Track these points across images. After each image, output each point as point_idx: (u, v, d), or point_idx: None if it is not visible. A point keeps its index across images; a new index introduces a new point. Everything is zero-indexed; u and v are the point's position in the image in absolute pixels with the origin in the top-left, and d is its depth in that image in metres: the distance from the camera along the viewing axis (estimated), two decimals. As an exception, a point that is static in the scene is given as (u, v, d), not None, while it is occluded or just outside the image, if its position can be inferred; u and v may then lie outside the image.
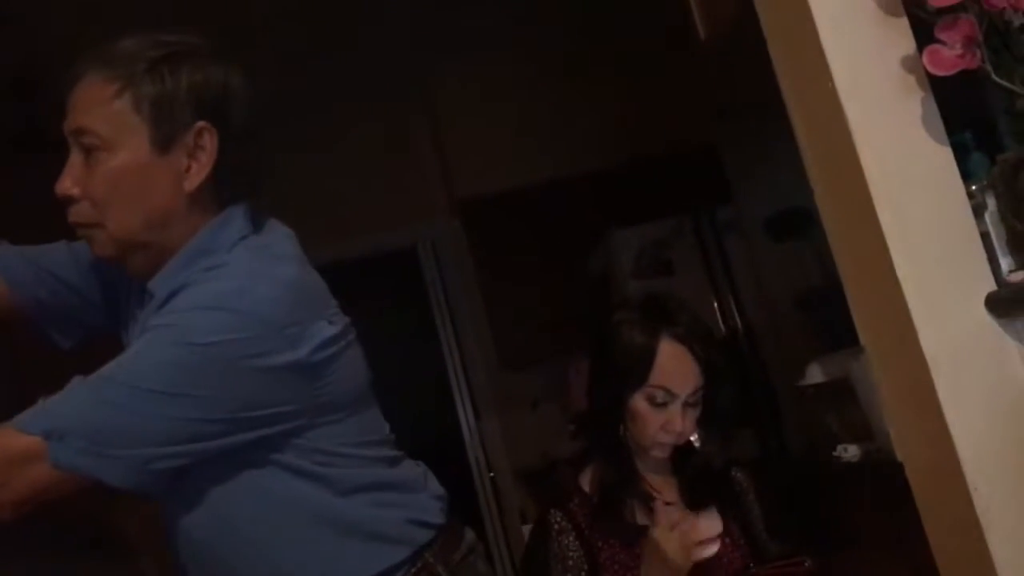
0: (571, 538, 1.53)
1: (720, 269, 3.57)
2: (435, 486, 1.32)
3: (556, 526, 1.55)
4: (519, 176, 3.94)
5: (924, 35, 1.23)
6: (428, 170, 4.28)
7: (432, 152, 4.30)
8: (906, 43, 1.27)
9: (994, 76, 1.19)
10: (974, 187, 1.26)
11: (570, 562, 1.52)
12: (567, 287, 3.82)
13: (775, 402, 3.25)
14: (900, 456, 1.31)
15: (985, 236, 1.25)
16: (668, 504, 1.52)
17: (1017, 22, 1.19)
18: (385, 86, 4.04)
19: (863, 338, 1.35)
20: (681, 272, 3.57)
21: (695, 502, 1.56)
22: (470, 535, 1.32)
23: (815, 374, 1.80)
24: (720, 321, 3.54)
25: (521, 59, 4.04)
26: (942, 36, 1.19)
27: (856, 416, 1.62)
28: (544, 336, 3.84)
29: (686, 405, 1.53)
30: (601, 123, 3.88)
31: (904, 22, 1.28)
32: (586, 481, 1.62)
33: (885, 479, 1.36)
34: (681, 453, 1.59)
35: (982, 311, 1.22)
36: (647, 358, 1.52)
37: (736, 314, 3.55)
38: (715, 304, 3.56)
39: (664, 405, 1.52)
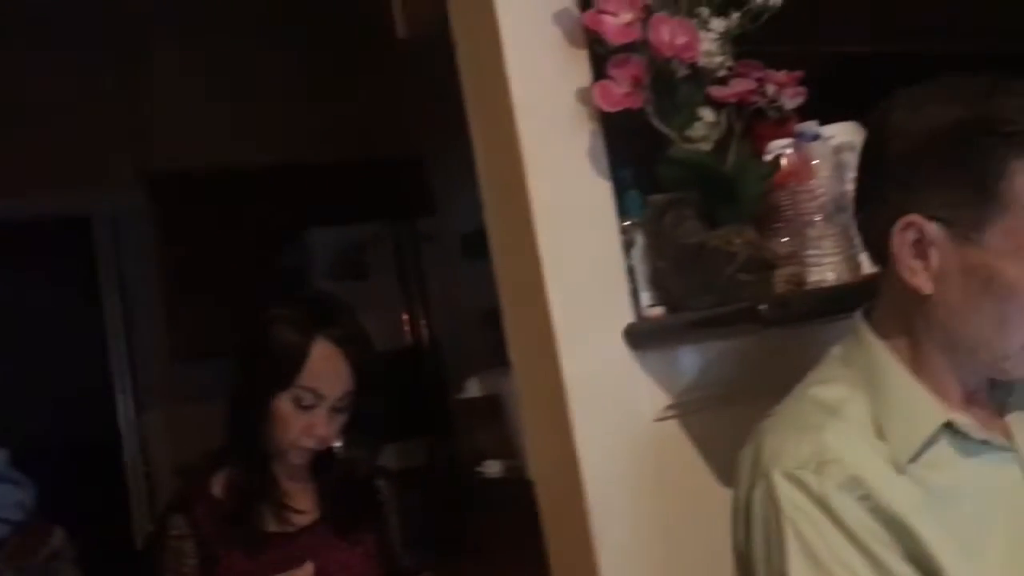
0: (189, 545, 1.42)
1: (414, 279, 3.58)
2: (18, 476, 1.16)
3: (174, 532, 1.44)
4: (218, 158, 3.72)
5: (602, 70, 1.27)
6: (117, 136, 3.91)
7: (126, 117, 3.96)
8: (583, 75, 1.31)
9: (654, 119, 1.25)
10: (627, 223, 1.32)
11: (185, 569, 1.41)
12: (257, 281, 3.65)
13: (448, 414, 3.29)
14: (532, 474, 1.34)
15: (632, 271, 1.31)
16: (299, 512, 1.46)
17: (681, 73, 1.26)
18: (83, 37, 3.68)
19: (512, 356, 1.36)
20: (375, 278, 3.55)
21: (333, 511, 1.51)
22: (59, 537, 1.17)
23: (473, 388, 1.82)
24: (408, 330, 3.55)
25: (241, 38, 3.84)
26: (613, 72, 1.23)
27: (503, 433, 1.65)
28: (223, 329, 3.64)
29: (333, 410, 1.47)
30: (314, 118, 3.77)
31: (584, 55, 1.31)
32: (219, 484, 1.51)
33: (521, 496, 1.38)
34: (322, 460, 1.53)
35: (620, 342, 1.27)
36: (298, 357, 1.44)
37: (424, 325, 3.56)
38: (405, 313, 3.56)
39: (310, 408, 1.45)
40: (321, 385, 1.46)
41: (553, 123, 1.29)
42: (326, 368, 1.46)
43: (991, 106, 0.88)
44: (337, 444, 1.51)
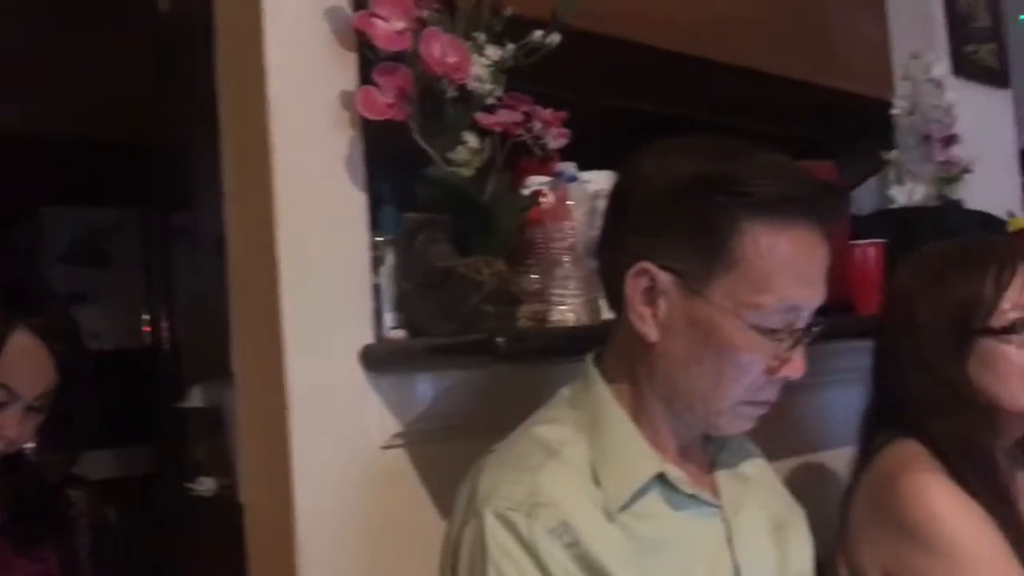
0: None
1: (160, 275, 3.33)
2: None
3: None
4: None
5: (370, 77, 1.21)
6: None
7: None
8: (349, 78, 1.24)
9: (417, 136, 1.20)
10: (379, 239, 1.26)
11: None
12: (-23, 256, 3.27)
13: (179, 422, 3.08)
14: (243, 497, 1.24)
15: (378, 289, 1.25)
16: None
17: (450, 93, 1.22)
18: None
19: (236, 367, 1.26)
20: (116, 267, 3.27)
21: (13, 522, 1.33)
22: None
23: (195, 398, 1.70)
24: (148, 328, 3.30)
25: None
26: (379, 80, 1.18)
27: (222, 448, 1.54)
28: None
29: (28, 409, 1.30)
30: (61, 91, 3.44)
31: (353, 58, 1.25)
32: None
33: (231, 519, 1.27)
34: (8, 464, 1.34)
35: (355, 362, 1.21)
36: None
37: (166, 324, 3.32)
38: (146, 310, 3.31)
39: (2, 406, 1.27)
40: (16, 381, 1.28)
41: (310, 124, 1.21)
42: (24, 362, 1.29)
43: (732, 166, 0.90)
44: (29, 446, 1.33)
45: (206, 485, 1.55)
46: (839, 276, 1.61)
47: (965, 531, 1.12)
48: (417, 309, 1.22)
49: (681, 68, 1.83)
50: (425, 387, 1.26)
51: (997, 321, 1.21)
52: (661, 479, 0.93)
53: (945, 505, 1.13)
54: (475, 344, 1.08)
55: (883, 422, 1.28)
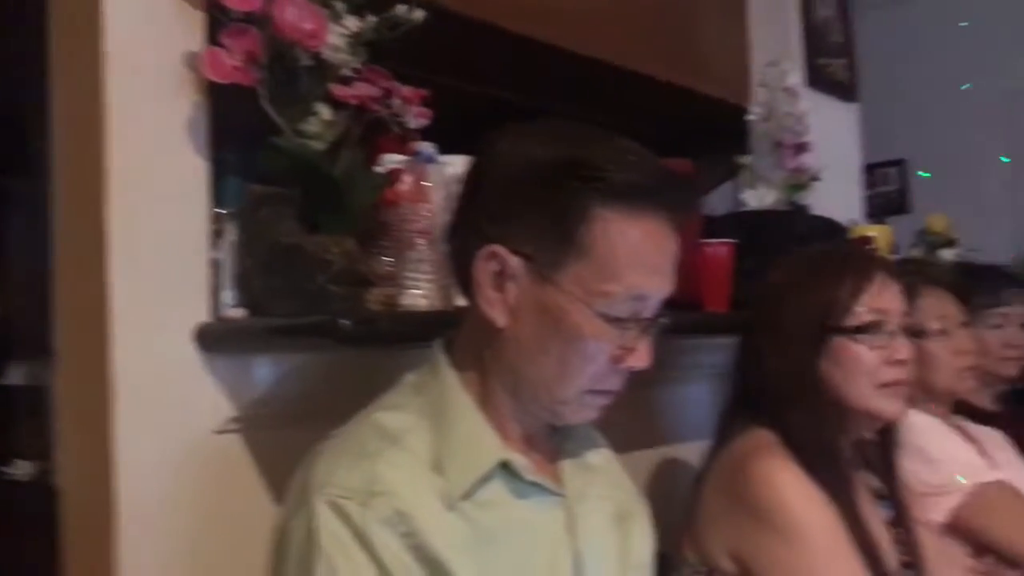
0: None
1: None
2: None
3: None
4: None
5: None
6: None
7: None
8: (195, 39, 1.17)
9: (266, 103, 1.14)
10: (221, 211, 1.19)
11: None
12: None
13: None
14: (61, 481, 1.14)
15: (217, 264, 1.18)
16: None
17: (303, 61, 1.17)
18: None
19: (58, 341, 1.17)
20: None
21: None
22: None
23: (15, 375, 1.57)
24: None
25: None
26: (226, 42, 1.11)
27: (42, 430, 1.42)
28: None
29: None
30: None
31: (200, 17, 1.18)
32: None
33: (49, 504, 1.18)
34: None
35: (189, 341, 1.14)
36: None
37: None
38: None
39: None
40: None
41: (150, 84, 1.13)
42: None
43: (587, 152, 0.88)
44: None
45: (23, 469, 1.43)
46: (690, 274, 1.65)
47: (811, 517, 1.17)
48: (259, 287, 1.16)
49: (545, 57, 1.82)
50: (264, 370, 1.20)
51: (851, 321, 1.26)
52: (505, 467, 0.91)
53: (794, 491, 1.18)
54: (318, 326, 1.03)
55: (741, 413, 1.33)
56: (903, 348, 1.27)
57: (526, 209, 0.88)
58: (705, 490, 1.29)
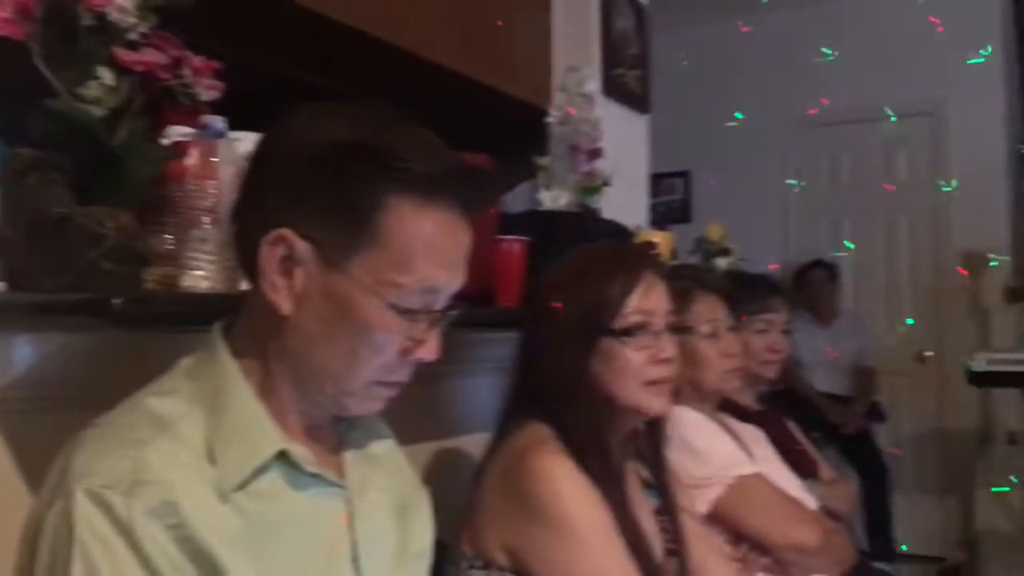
0: None
1: None
2: None
3: None
4: None
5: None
6: None
7: None
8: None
9: (40, 61, 1.05)
10: (-17, 176, 1.09)
11: None
12: None
13: None
14: None
15: (-28, 233, 1.07)
16: None
17: (87, 21, 1.08)
18: None
19: None
20: None
21: None
22: None
23: None
24: None
25: None
26: (-5, -9, 1.01)
27: None
28: None
29: None
30: None
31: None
32: None
33: None
34: None
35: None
36: None
37: None
38: None
39: None
40: None
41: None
42: None
43: (385, 138, 0.87)
44: None
45: None
46: (484, 269, 1.68)
47: (583, 511, 1.21)
48: (22, 260, 1.06)
49: (346, 40, 1.79)
50: (25, 349, 1.10)
51: (619, 323, 1.31)
52: (283, 458, 0.89)
53: (567, 486, 1.21)
54: (87, 304, 0.96)
55: (520, 407, 1.35)
56: (668, 347, 1.33)
57: (318, 193, 0.86)
58: (483, 484, 1.30)
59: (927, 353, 4.83)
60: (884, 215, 5.02)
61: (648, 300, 1.32)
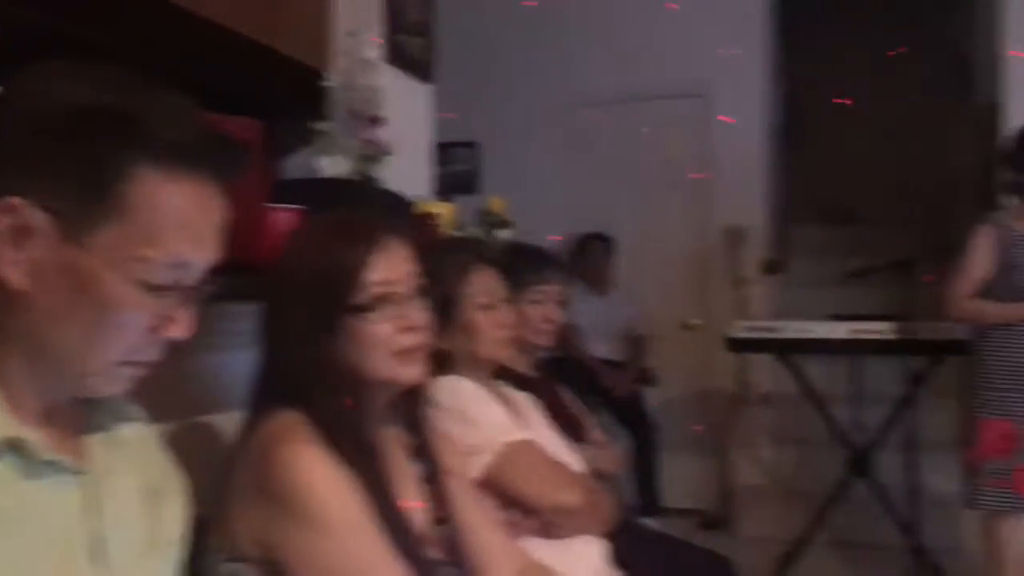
0: None
1: None
2: None
3: None
4: None
5: None
6: None
7: None
8: None
9: None
10: None
11: None
12: None
13: None
14: None
15: None
16: None
17: None
18: None
19: None
20: None
21: None
22: None
23: None
24: None
25: None
26: None
27: None
28: None
29: None
30: None
31: None
32: None
33: None
34: None
35: None
36: None
37: None
38: None
39: None
40: None
41: None
42: None
43: (132, 104, 0.82)
44: None
45: None
46: (255, 239, 1.62)
47: (334, 500, 1.17)
48: None
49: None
50: None
51: (362, 296, 1.25)
52: (14, 445, 0.82)
53: (317, 475, 1.17)
54: None
55: (268, 391, 1.28)
56: (416, 314, 1.28)
57: (55, 160, 0.79)
58: (233, 474, 1.24)
59: (692, 321, 5.16)
60: (655, 191, 5.29)
61: (389, 269, 1.27)
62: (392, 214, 1.93)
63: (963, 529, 3.91)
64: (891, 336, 3.58)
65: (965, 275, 3.01)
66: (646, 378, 4.87)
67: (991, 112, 4.46)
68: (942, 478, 4.04)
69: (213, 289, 0.90)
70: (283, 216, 1.68)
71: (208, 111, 0.90)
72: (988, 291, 3.00)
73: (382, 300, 1.26)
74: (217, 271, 0.91)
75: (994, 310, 2.97)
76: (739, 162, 5.06)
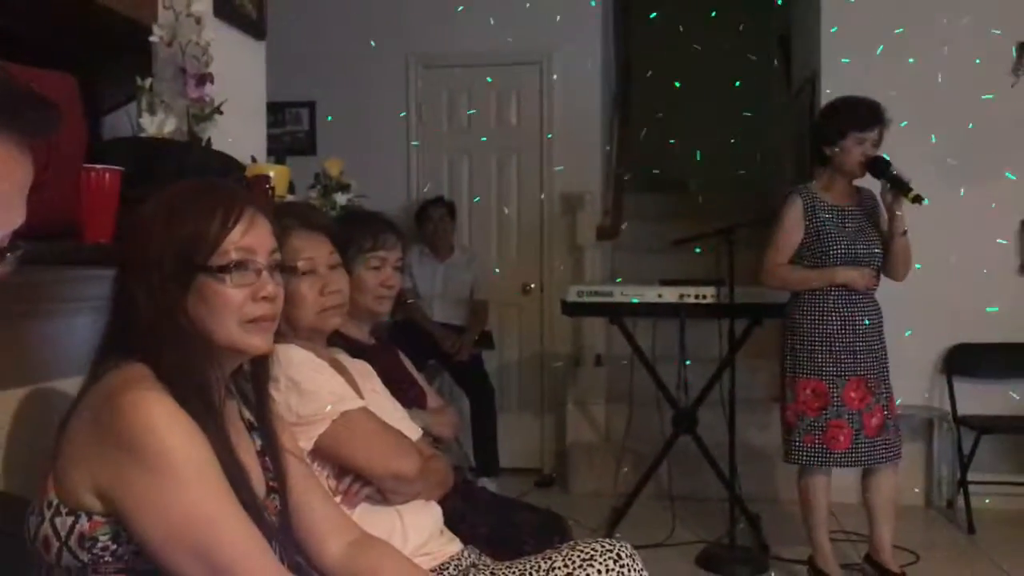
0: None
1: None
2: None
3: None
4: None
5: None
6: None
7: None
8: None
9: None
10: None
11: None
12: None
13: None
14: None
15: None
16: None
17: None
18: None
19: None
20: None
21: None
22: None
23: None
24: None
25: None
26: None
27: None
28: None
29: None
30: None
31: None
32: None
33: None
34: None
35: None
36: None
37: None
38: None
39: None
40: None
41: None
42: None
43: None
44: None
45: None
46: (71, 201, 1.53)
47: (181, 446, 1.17)
48: None
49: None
50: None
51: (217, 260, 1.26)
52: None
53: (161, 420, 1.16)
54: None
55: (116, 348, 1.28)
56: (269, 285, 1.30)
57: None
58: (71, 426, 1.22)
59: (531, 286, 5.26)
60: (496, 156, 5.34)
61: (249, 237, 1.29)
62: (222, 175, 1.87)
63: (778, 480, 4.19)
64: (714, 300, 3.78)
65: (776, 244, 3.21)
66: (485, 342, 4.94)
67: (811, 87, 4.74)
68: (760, 433, 4.31)
69: (21, 253, 0.85)
70: (102, 177, 1.59)
71: (14, 63, 0.85)
72: (799, 258, 3.20)
73: (239, 265, 1.27)
74: (24, 234, 0.86)
75: (802, 276, 3.18)
76: (576, 130, 5.17)
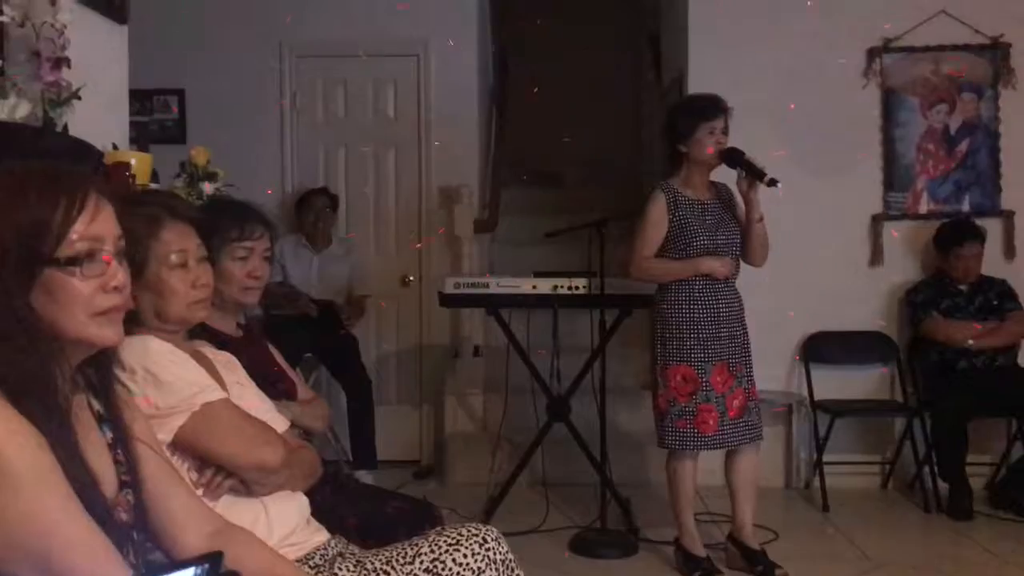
0: None
1: None
2: None
3: None
4: None
5: None
6: None
7: None
8: None
9: None
10: None
11: None
12: None
13: None
14: None
15: None
16: None
17: None
18: None
19: None
20: None
21: None
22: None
23: None
24: None
25: None
26: None
27: None
28: None
29: None
30: None
31: None
32: None
33: None
34: None
35: None
36: None
37: None
38: None
39: None
40: None
41: None
42: None
43: None
44: None
45: None
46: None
47: (17, 453, 1.11)
48: None
49: None
50: None
51: (63, 251, 1.21)
52: None
53: (1, 429, 1.11)
54: None
55: None
56: (118, 275, 1.26)
57: None
58: None
59: (410, 278, 5.26)
60: (374, 148, 5.31)
61: (96, 225, 1.23)
62: (78, 163, 1.81)
63: (649, 465, 4.33)
64: (586, 291, 3.87)
65: (643, 238, 3.32)
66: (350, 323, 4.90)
67: (678, 85, 4.90)
68: (630, 419, 4.45)
69: None
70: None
71: None
72: (664, 251, 3.32)
73: (88, 257, 1.22)
74: None
75: (667, 267, 3.30)
76: (454, 124, 5.19)
